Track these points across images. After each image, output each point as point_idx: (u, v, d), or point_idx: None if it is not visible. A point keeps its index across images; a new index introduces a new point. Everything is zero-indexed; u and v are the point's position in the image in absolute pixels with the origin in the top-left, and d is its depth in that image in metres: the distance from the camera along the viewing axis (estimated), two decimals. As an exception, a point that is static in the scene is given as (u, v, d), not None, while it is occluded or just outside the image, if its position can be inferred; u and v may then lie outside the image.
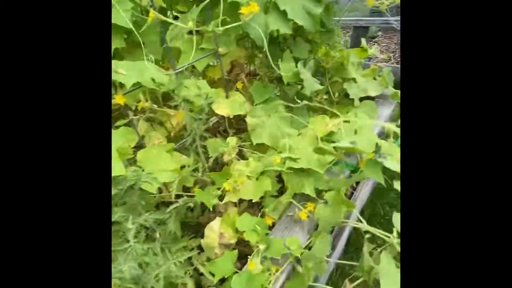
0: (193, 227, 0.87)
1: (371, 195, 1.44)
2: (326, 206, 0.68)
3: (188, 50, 0.82)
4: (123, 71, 0.53)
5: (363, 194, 1.38)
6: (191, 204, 0.77)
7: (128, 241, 0.47)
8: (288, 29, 0.75)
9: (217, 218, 0.76)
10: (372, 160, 0.77)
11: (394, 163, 0.77)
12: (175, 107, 0.78)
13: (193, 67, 0.98)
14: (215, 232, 0.73)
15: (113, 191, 0.48)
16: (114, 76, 0.53)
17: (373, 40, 3.09)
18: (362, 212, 1.35)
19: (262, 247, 0.59)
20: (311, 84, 0.85)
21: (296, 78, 0.83)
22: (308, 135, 0.78)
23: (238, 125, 0.99)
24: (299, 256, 0.59)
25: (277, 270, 0.58)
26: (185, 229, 0.88)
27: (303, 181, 0.74)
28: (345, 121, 0.84)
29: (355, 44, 2.31)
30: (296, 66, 0.85)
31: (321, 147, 0.74)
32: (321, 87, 0.87)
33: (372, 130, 0.81)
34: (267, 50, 0.70)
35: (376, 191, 1.50)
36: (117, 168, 0.49)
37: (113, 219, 0.46)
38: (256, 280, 0.51)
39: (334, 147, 0.73)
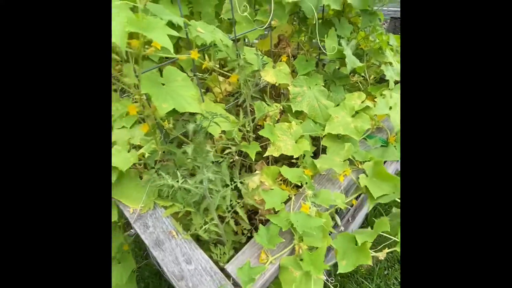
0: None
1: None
2: (371, 179, 0.74)
3: (242, 21, 0.92)
4: (201, 30, 0.63)
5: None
6: (236, 157, 0.89)
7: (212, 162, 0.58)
8: (337, 5, 0.82)
9: (257, 172, 0.87)
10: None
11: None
12: (229, 72, 0.88)
13: (244, 39, 1.07)
14: (256, 182, 0.84)
15: (192, 125, 0.59)
16: (192, 34, 0.64)
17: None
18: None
19: (310, 192, 0.67)
20: (353, 61, 0.92)
21: (339, 54, 0.90)
22: (346, 106, 0.86)
23: (277, 94, 1.08)
24: (343, 208, 0.67)
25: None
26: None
27: (340, 147, 0.82)
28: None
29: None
30: (340, 44, 0.92)
31: (360, 114, 0.82)
32: (361, 64, 0.94)
33: (406, 107, 0.87)
34: (316, 23, 0.77)
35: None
36: (194, 106, 0.60)
37: (192, 146, 0.57)
38: (312, 221, 0.60)
39: (370, 117, 0.80)
